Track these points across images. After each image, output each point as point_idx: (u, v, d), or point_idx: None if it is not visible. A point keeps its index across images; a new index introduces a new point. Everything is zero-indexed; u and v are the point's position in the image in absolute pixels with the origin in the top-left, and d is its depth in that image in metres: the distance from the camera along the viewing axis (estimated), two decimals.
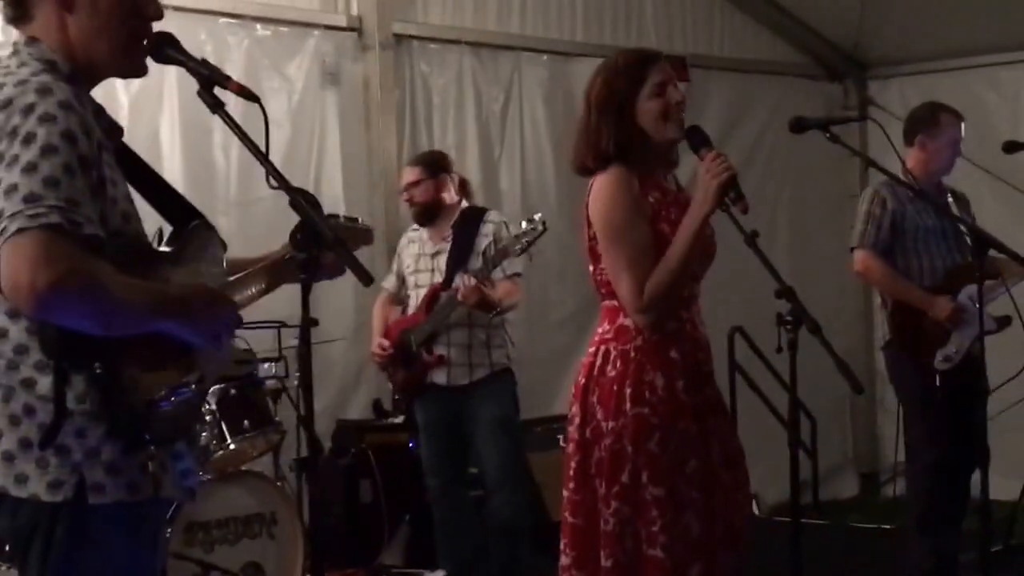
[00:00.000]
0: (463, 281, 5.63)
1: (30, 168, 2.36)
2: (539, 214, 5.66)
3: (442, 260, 5.91)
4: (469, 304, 5.65)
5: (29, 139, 2.39)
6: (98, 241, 2.41)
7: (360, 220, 3.51)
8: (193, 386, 2.62)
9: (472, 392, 5.84)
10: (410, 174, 6.02)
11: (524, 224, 5.57)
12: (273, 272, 3.02)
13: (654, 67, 3.69)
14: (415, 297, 5.99)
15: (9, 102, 2.44)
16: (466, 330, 5.82)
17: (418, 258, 6.01)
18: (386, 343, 5.98)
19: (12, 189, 2.36)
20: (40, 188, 2.35)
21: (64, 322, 2.41)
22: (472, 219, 5.94)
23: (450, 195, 5.96)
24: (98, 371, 2.46)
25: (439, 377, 5.87)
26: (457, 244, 5.89)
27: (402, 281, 6.10)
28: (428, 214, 5.97)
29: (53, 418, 2.46)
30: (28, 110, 2.41)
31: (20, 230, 2.32)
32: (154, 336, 2.53)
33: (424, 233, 6.03)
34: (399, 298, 6.15)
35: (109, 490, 2.52)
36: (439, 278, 5.90)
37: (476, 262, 5.76)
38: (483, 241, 5.80)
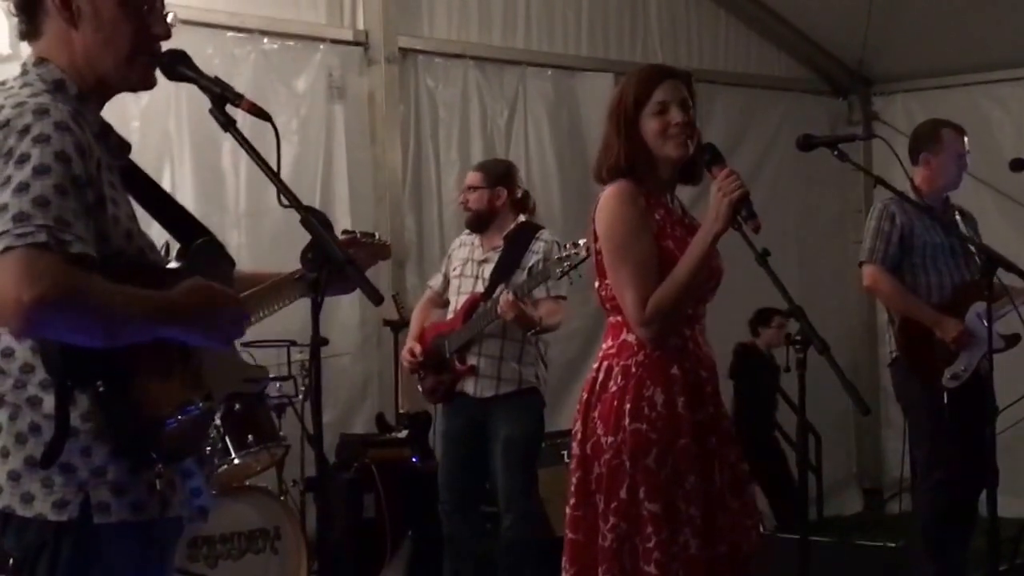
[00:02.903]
0: (504, 296, 5.61)
1: (21, 188, 2.38)
2: (584, 239, 5.61)
3: (488, 269, 5.87)
4: (507, 319, 5.62)
5: (23, 160, 2.40)
6: (89, 259, 2.40)
7: (378, 235, 3.50)
8: (201, 404, 2.60)
9: (496, 406, 5.80)
10: (470, 179, 5.99)
11: (568, 247, 5.54)
12: (280, 293, 3.01)
13: (661, 85, 3.71)
14: (455, 302, 5.97)
15: (6, 123, 2.45)
16: (499, 342, 5.78)
17: (465, 263, 5.98)
18: (418, 349, 5.96)
19: (2, 209, 2.37)
20: (29, 208, 2.36)
21: (54, 336, 2.41)
22: (525, 234, 5.89)
23: (504, 208, 5.91)
24: (101, 389, 2.45)
25: (468, 386, 5.85)
26: (506, 256, 5.86)
27: (448, 282, 6.10)
28: (480, 222, 5.93)
29: (53, 437, 2.46)
30: (24, 131, 2.42)
31: (7, 249, 2.34)
32: (158, 352, 2.52)
33: (476, 239, 6.01)
34: (444, 299, 6.14)
35: (114, 509, 2.51)
36: (481, 286, 5.86)
37: (520, 277, 5.72)
38: (532, 257, 5.77)
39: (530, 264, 5.72)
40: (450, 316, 5.98)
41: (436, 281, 6.15)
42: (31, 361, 2.49)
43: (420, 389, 6.15)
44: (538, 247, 5.80)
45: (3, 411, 2.52)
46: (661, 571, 3.51)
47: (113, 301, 2.42)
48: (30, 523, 2.50)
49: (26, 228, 2.34)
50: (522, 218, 5.97)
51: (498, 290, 5.70)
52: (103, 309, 2.40)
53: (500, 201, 5.90)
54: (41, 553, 2.51)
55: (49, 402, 2.47)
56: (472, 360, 5.80)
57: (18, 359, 2.50)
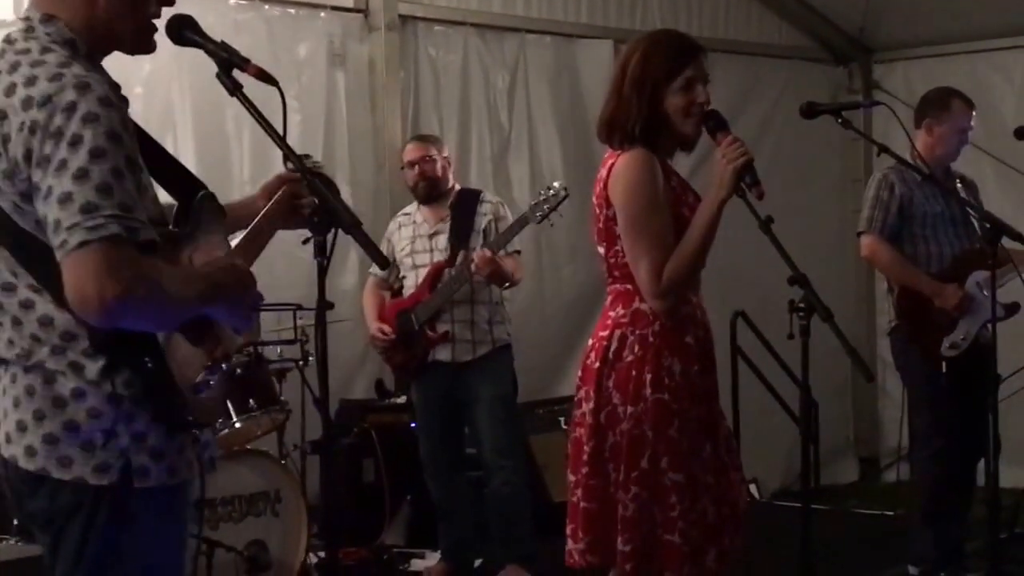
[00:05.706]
0: (479, 252, 5.65)
1: (82, 175, 2.35)
2: (558, 181, 5.73)
3: (440, 240, 5.95)
4: (483, 275, 5.67)
5: (76, 142, 2.36)
6: (154, 245, 2.43)
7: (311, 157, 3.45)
8: (223, 365, 2.65)
9: (474, 369, 5.88)
10: (423, 150, 6.04)
11: (541, 193, 5.62)
12: (269, 225, 2.98)
13: (692, 62, 3.65)
14: (413, 278, 6.00)
15: (48, 99, 2.39)
16: (469, 307, 5.86)
17: (414, 239, 6.03)
18: (387, 328, 5.99)
19: (67, 199, 2.35)
20: (95, 196, 2.35)
21: (130, 327, 2.44)
22: (469, 199, 6.01)
23: (450, 174, 6.07)
24: (149, 365, 2.48)
25: (442, 354, 5.90)
26: (457, 223, 5.92)
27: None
28: (436, 191, 6.01)
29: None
30: (70, 109, 2.38)
31: (82, 243, 2.34)
32: (194, 320, 2.56)
33: (419, 215, 6.07)
34: (387, 283, 6.16)
35: (153, 474, 2.55)
36: (439, 258, 5.92)
37: (477, 240, 5.82)
38: (482, 220, 5.88)
39: (482, 227, 5.83)
40: (409, 292, 6.00)
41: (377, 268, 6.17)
42: (74, 330, 2.49)
43: (390, 368, 6.22)
44: (485, 208, 5.94)
45: (35, 375, 2.52)
46: (684, 539, 3.54)
47: (175, 288, 2.46)
48: (65, 485, 2.52)
49: (96, 220, 2.34)
50: (457, 186, 6.09)
51: (474, 248, 5.75)
52: (170, 299, 2.44)
53: (451, 168, 6.07)
54: (75, 515, 2.53)
55: (91, 369, 2.49)
56: (444, 327, 5.84)
57: (58, 327, 2.50)
